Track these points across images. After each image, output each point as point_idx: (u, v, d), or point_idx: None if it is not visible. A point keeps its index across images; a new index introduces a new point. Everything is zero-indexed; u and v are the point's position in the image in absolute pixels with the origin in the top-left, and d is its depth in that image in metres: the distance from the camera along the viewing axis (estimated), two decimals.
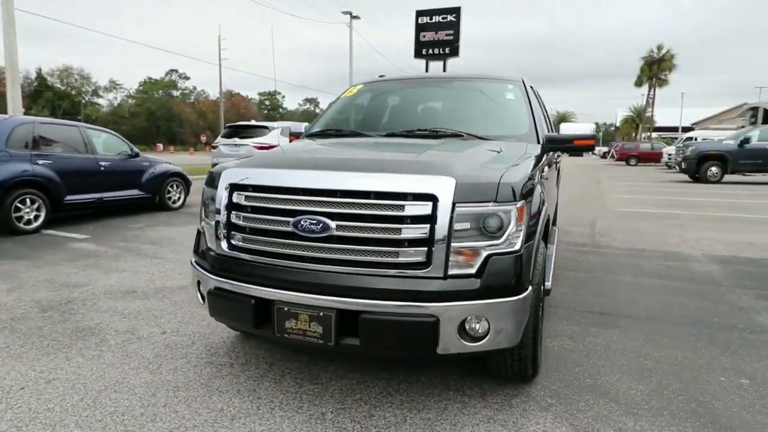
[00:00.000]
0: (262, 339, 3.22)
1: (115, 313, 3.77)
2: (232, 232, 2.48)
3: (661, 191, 14.36)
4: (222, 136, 12.98)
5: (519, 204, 2.23)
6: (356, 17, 34.23)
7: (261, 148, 12.13)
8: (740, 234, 7.23)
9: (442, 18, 38.93)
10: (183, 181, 9.50)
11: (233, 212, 2.47)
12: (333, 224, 2.20)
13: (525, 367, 2.56)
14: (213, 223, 2.57)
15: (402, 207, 2.15)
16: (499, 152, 2.79)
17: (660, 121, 56.51)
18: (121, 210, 8.90)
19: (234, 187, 2.47)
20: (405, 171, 2.25)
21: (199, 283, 2.68)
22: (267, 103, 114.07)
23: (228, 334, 3.37)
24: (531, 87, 3.94)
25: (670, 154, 24.83)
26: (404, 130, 3.33)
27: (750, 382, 2.76)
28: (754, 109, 38.92)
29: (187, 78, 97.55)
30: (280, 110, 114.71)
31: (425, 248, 2.14)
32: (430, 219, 2.13)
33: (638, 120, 59.66)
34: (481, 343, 2.19)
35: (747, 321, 3.70)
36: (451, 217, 2.13)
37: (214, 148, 13.05)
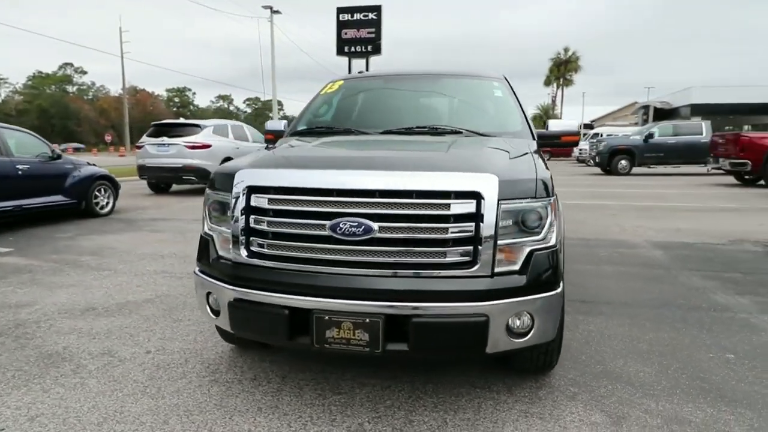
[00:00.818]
0: (266, 349, 3.02)
1: (81, 334, 3.36)
2: (252, 238, 2.29)
3: (582, 183, 15.43)
4: (147, 135, 12.05)
5: (552, 199, 2.27)
6: (277, 12, 33.38)
7: (193, 147, 11.47)
8: (666, 221, 7.94)
9: (363, 16, 39.11)
10: (111, 184, 8.71)
11: (253, 216, 2.28)
12: (376, 226, 2.09)
13: (551, 358, 2.61)
14: (226, 229, 2.36)
15: (448, 206, 2.10)
16: (510, 149, 2.82)
17: (563, 118, 60.70)
18: (43, 218, 7.98)
19: (253, 190, 2.28)
20: (446, 169, 2.21)
21: (208, 295, 2.45)
22: (176, 99, 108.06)
23: (223, 348, 3.13)
24: None
25: (581, 149, 26.74)
26: (402, 128, 3.27)
27: (735, 357, 3.02)
28: (646, 107, 43.18)
29: (84, 72, 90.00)
30: (191, 107, 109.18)
31: (471, 247, 2.11)
32: (476, 217, 2.10)
33: (545, 118, 63.72)
34: (525, 339, 2.20)
35: (707, 300, 4.05)
36: (497, 214, 2.11)
37: (139, 147, 12.10)
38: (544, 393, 2.60)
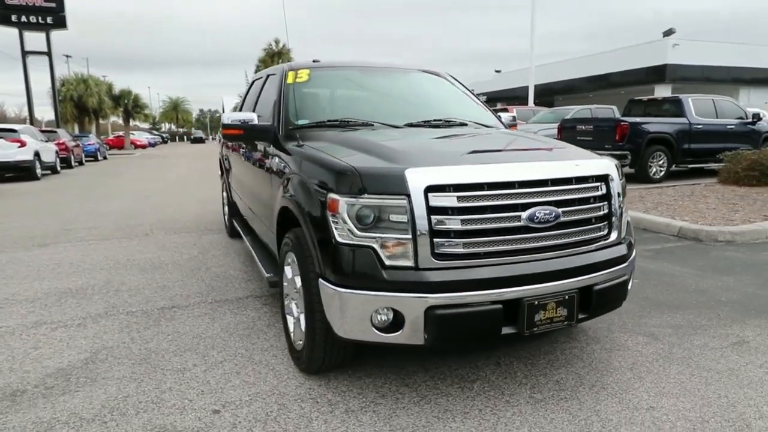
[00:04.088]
0: (342, 366, 2.76)
1: (74, 422, 2.31)
2: (437, 240, 2.17)
3: None
4: None
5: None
6: None
7: None
8: None
9: None
10: None
11: (435, 217, 2.16)
12: (561, 211, 2.32)
13: None
14: (397, 234, 2.16)
15: (597, 188, 2.48)
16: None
17: None
18: None
19: (431, 189, 2.16)
20: (579, 157, 2.57)
21: (374, 312, 2.18)
22: None
23: (296, 379, 2.68)
24: None
25: None
26: (421, 121, 3.36)
27: (639, 281, 4.29)
28: None
29: None
30: None
31: (607, 221, 2.56)
32: (608, 196, 2.55)
33: None
34: (629, 288, 2.79)
35: None
36: (620, 192, 2.60)
37: None
38: (583, 337, 3.23)
